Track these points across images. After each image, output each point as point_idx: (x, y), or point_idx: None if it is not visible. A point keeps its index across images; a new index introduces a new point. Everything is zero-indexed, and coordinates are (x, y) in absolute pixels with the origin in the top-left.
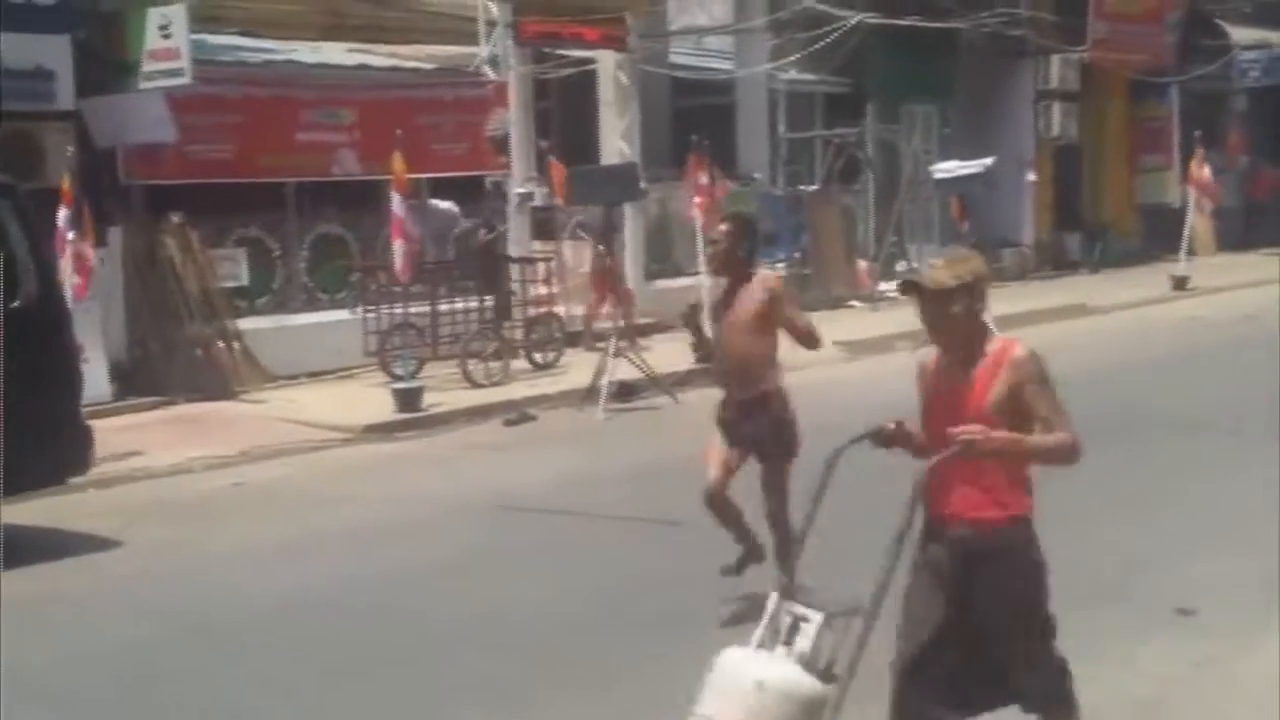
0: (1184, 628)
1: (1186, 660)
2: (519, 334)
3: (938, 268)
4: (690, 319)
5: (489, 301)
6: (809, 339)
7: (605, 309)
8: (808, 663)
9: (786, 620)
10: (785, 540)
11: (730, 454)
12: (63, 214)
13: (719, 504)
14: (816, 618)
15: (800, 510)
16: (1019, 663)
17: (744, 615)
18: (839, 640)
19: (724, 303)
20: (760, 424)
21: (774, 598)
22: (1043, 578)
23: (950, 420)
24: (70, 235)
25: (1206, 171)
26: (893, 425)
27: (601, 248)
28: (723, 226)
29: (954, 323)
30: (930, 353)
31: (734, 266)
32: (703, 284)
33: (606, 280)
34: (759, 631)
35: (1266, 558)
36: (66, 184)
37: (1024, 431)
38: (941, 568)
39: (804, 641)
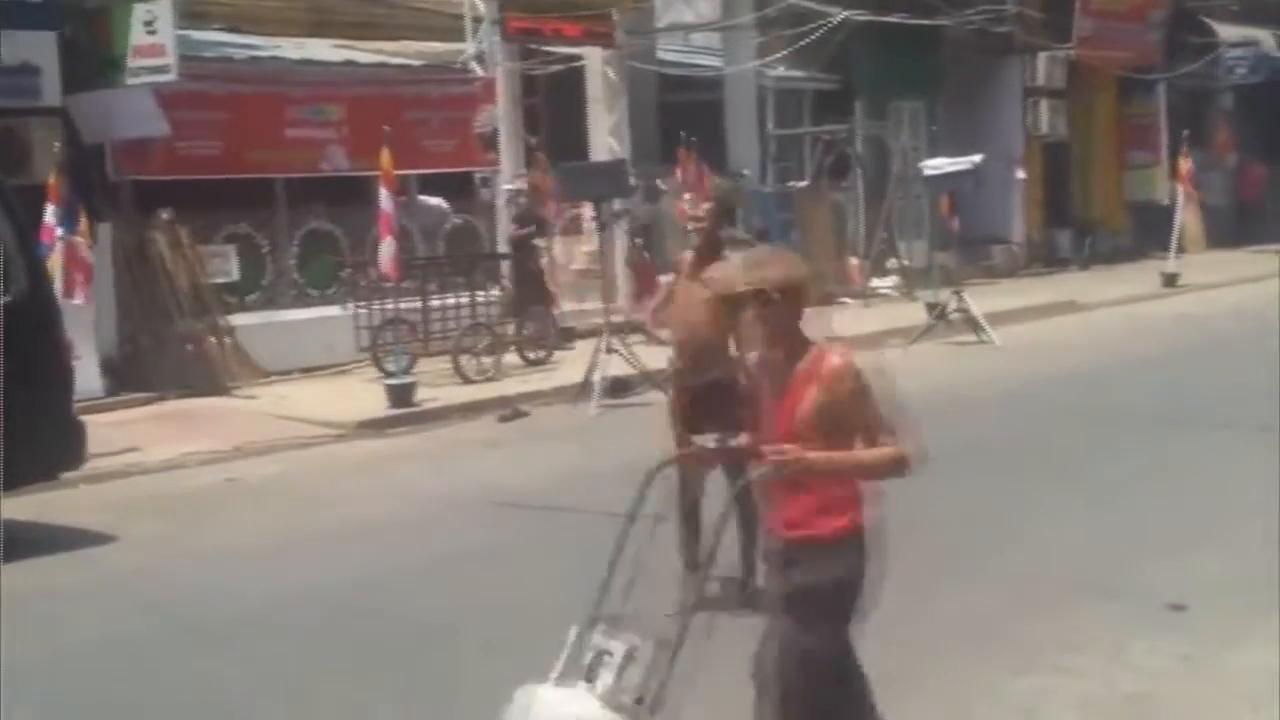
0: (1174, 622)
1: (1176, 655)
2: (510, 329)
3: (737, 269)
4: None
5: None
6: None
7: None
8: (611, 699)
9: (590, 653)
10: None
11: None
12: (50, 210)
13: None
14: (620, 649)
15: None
16: (777, 680)
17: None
18: (654, 671)
19: (694, 278)
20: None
21: (574, 630)
22: (828, 600)
23: (770, 431)
24: (59, 232)
25: (1185, 165)
26: (712, 443)
27: (639, 241)
28: (706, 205)
29: (749, 327)
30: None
31: (713, 246)
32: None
33: (648, 274)
34: (559, 665)
35: (1257, 552)
36: (54, 180)
37: (848, 443)
38: (769, 580)
39: (608, 676)
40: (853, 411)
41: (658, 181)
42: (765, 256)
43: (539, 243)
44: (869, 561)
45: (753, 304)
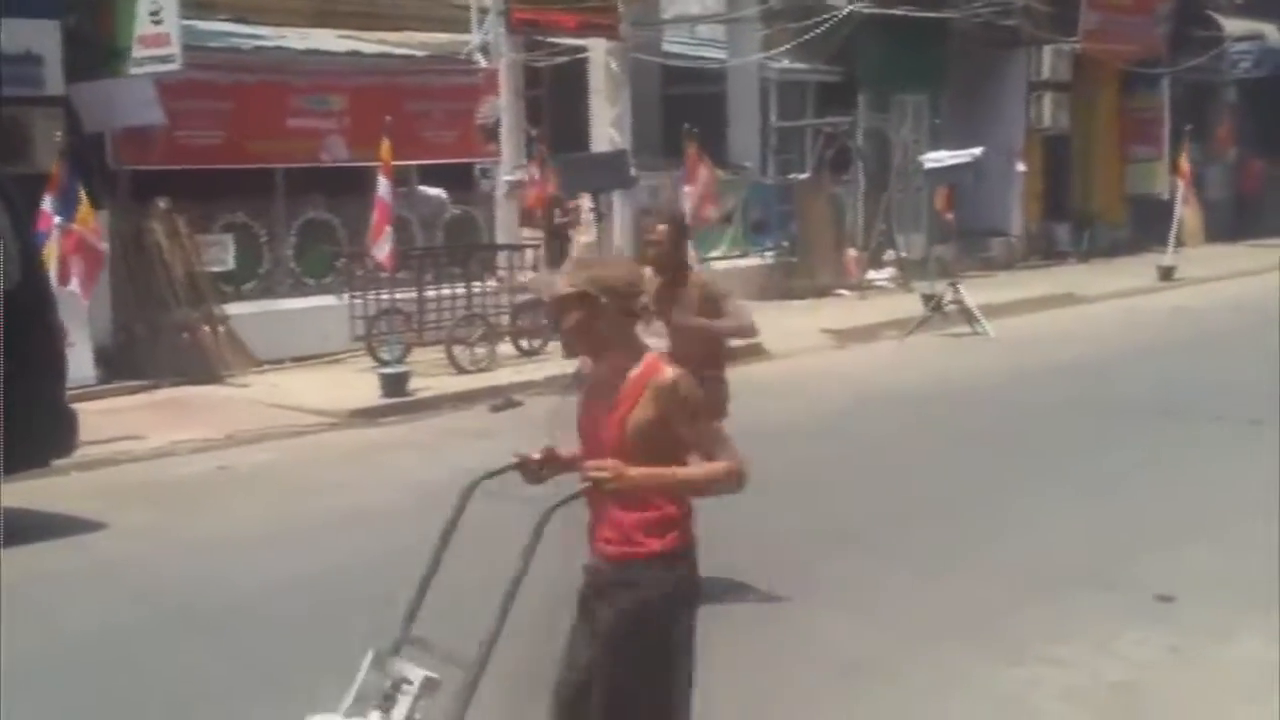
0: (1164, 614)
1: (1165, 646)
2: (505, 320)
3: (565, 273)
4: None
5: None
6: (741, 335)
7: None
8: None
9: (386, 683)
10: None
11: None
12: (48, 199)
13: None
14: (418, 678)
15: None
16: (600, 707)
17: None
18: (458, 702)
19: (663, 302)
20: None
21: (370, 656)
22: (649, 625)
23: (593, 444)
24: (57, 220)
25: (1183, 160)
26: (538, 455)
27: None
28: (660, 227)
29: (573, 333)
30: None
31: (672, 267)
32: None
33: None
34: (350, 693)
35: (1249, 546)
36: (56, 169)
37: (677, 458)
38: (584, 602)
39: (403, 706)
40: (684, 425)
41: (669, 179)
42: (595, 259)
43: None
44: (696, 583)
45: (579, 308)
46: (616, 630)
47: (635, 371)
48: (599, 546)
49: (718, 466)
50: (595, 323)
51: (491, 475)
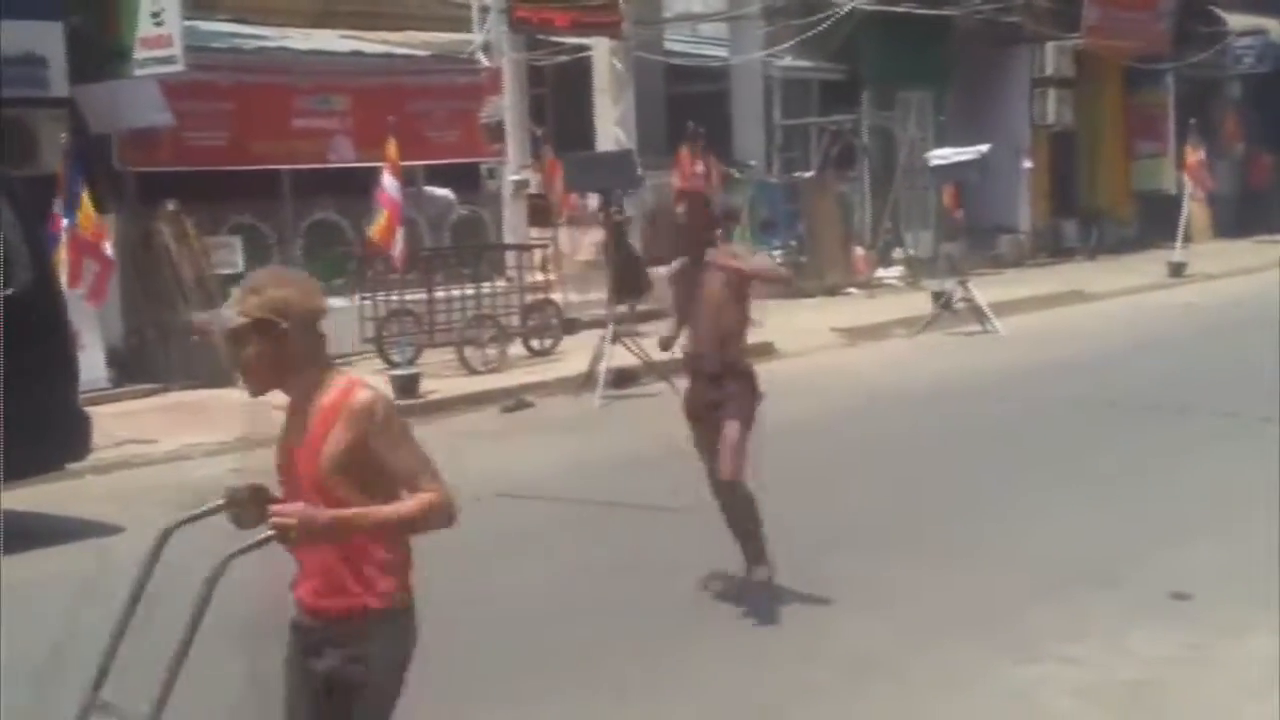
0: (1177, 611)
1: (1178, 643)
2: (515, 320)
3: (231, 302)
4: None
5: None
6: (776, 281)
7: None
8: None
9: None
10: (748, 517)
11: (701, 438)
12: (58, 201)
13: (720, 490)
14: None
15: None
16: None
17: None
18: None
19: (687, 284)
20: (729, 390)
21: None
22: (369, 683)
23: (291, 485)
24: (65, 222)
25: (1199, 157)
26: (245, 490)
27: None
28: (679, 208)
29: (254, 368)
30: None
31: (693, 245)
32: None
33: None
34: None
35: (1260, 542)
36: (60, 171)
37: (387, 491)
38: (295, 661)
39: None
40: (387, 453)
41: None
42: (264, 278)
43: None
44: (414, 634)
45: (258, 338)
46: (336, 688)
47: (328, 398)
48: (307, 600)
49: (421, 501)
50: (279, 351)
51: (194, 518)
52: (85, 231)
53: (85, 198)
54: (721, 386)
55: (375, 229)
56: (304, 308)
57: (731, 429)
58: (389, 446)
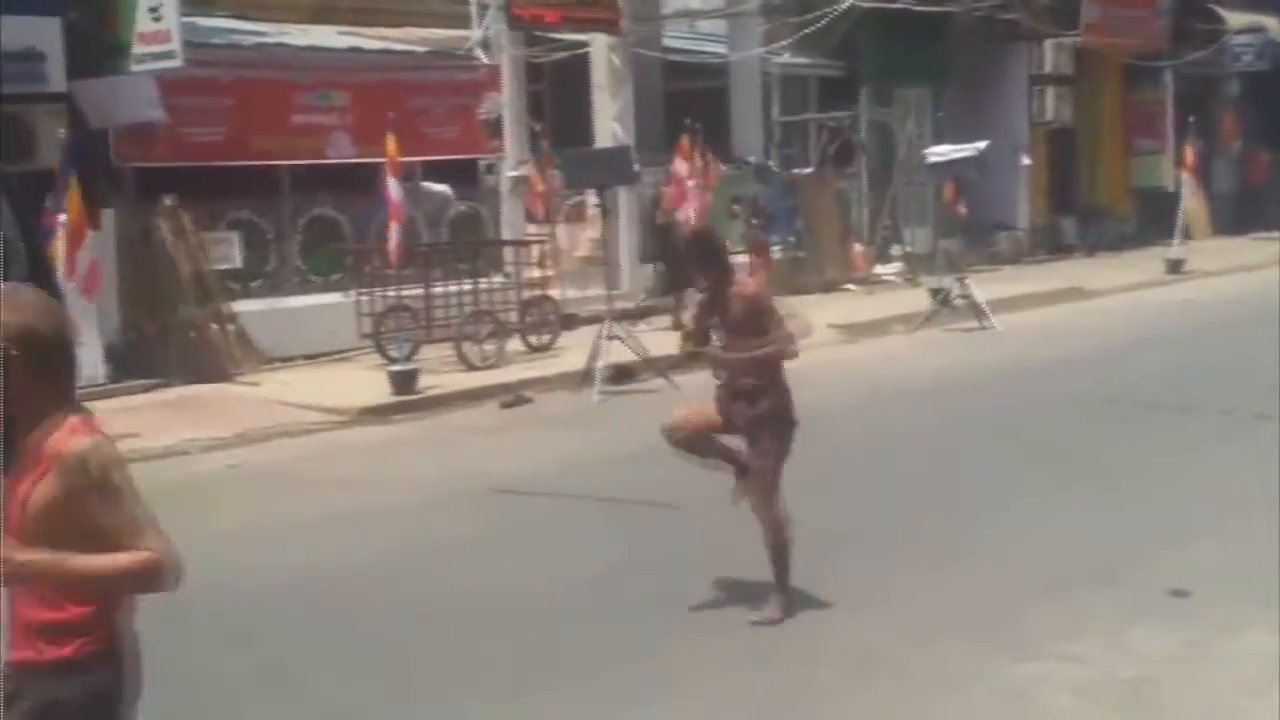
0: (1176, 609)
1: (1176, 641)
2: (513, 316)
3: None
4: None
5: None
6: (789, 354)
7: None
8: None
9: None
10: (779, 546)
11: (715, 418)
12: (50, 196)
13: (683, 440)
14: None
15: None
16: None
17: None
18: None
19: (703, 317)
20: (759, 410)
21: None
22: None
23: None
24: (60, 218)
25: (1189, 153)
26: None
27: (756, 221)
28: (688, 246)
29: None
30: None
31: (706, 280)
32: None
33: (764, 252)
34: None
35: (1259, 540)
36: (56, 166)
37: (98, 544)
38: None
39: None
40: (98, 507)
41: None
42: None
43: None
44: (121, 695)
45: None
46: None
47: (51, 441)
48: (11, 651)
49: (135, 558)
50: (8, 381)
51: None
52: (73, 223)
53: (74, 188)
54: (750, 402)
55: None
56: (39, 335)
57: (762, 469)
58: (101, 501)
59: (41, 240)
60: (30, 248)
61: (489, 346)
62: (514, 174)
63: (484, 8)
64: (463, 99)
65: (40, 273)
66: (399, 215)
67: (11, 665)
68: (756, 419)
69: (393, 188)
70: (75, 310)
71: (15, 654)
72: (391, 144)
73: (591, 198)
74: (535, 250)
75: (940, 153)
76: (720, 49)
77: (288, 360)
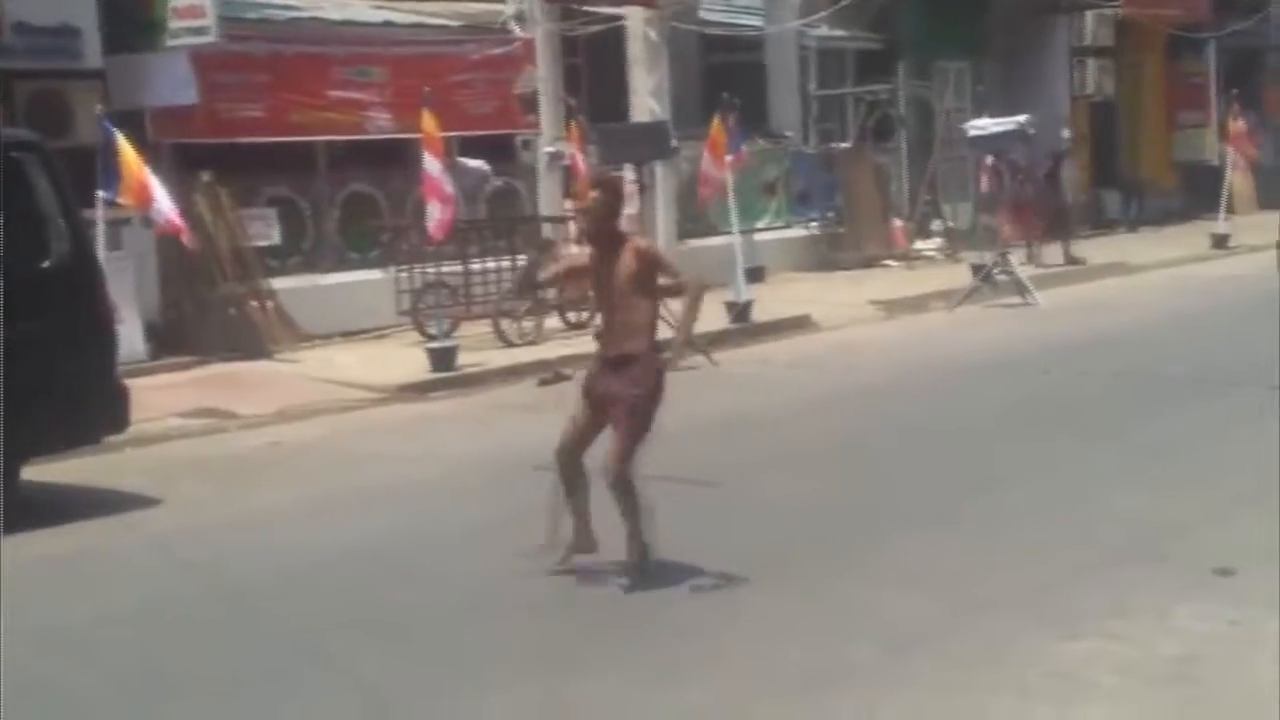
0: (1221, 587)
1: (1222, 619)
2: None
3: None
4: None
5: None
6: (677, 292)
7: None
8: None
9: None
10: (634, 499)
11: (585, 415)
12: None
13: (566, 461)
14: None
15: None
16: None
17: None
18: None
19: (601, 268)
20: (622, 380)
21: None
22: None
23: None
24: (101, 195)
25: (1242, 125)
26: None
27: (1023, 177)
28: (593, 194)
29: None
30: None
31: (607, 233)
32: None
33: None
34: None
35: None
36: (127, 151)
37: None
38: None
39: None
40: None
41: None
42: None
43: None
44: None
45: None
46: None
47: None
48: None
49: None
50: None
51: None
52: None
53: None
54: (614, 372)
55: (434, 224)
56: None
57: (621, 437)
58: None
59: (81, 218)
60: (71, 225)
61: (527, 323)
62: (550, 150)
63: None
64: (498, 74)
65: (81, 250)
66: (437, 192)
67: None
68: (617, 390)
69: (429, 165)
70: (115, 289)
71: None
72: (429, 121)
73: (629, 173)
74: (573, 226)
75: (980, 126)
76: (757, 22)
77: (326, 337)
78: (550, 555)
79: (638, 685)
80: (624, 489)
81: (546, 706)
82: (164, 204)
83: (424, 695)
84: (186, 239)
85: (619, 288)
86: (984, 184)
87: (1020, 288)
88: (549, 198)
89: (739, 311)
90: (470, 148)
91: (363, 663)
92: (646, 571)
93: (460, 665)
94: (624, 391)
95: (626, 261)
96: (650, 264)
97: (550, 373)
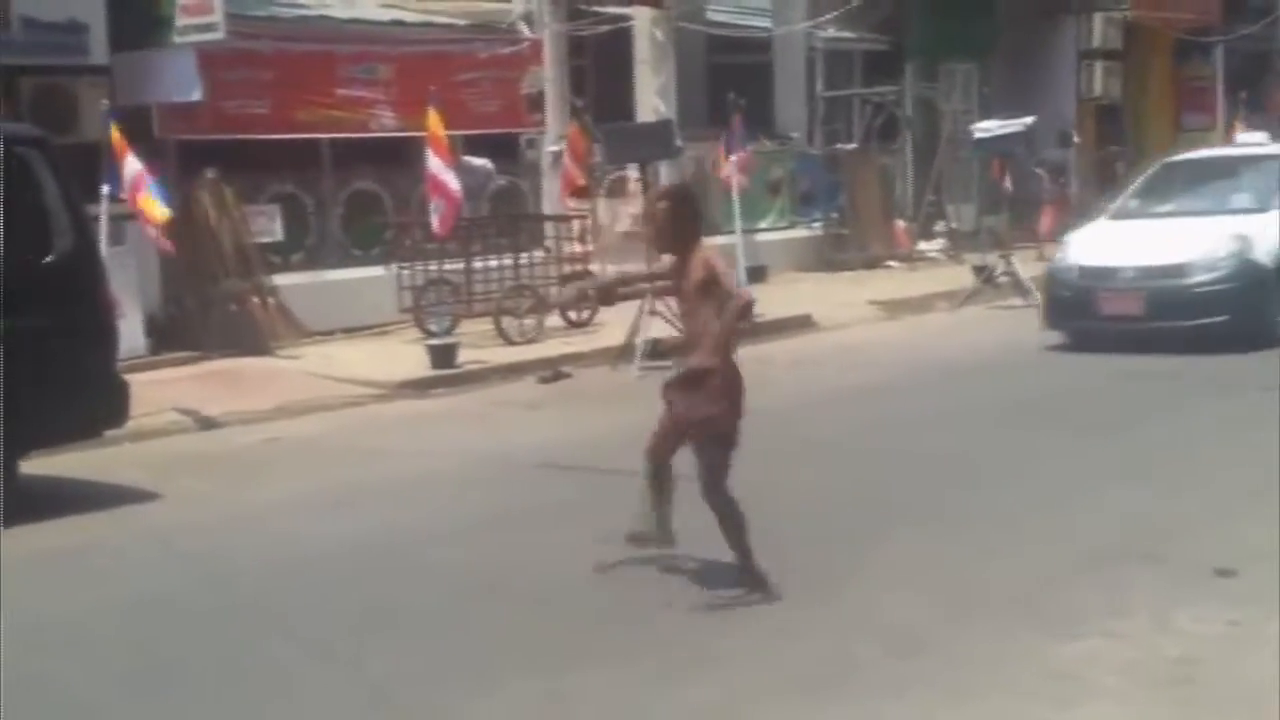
0: (1222, 588)
1: (1223, 620)
2: (553, 291)
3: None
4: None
5: None
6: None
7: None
8: None
9: None
10: (730, 518)
11: (663, 420)
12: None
13: (652, 464)
14: None
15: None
16: None
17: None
18: None
19: (675, 277)
20: (691, 399)
21: None
22: None
23: None
24: (105, 189)
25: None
26: None
27: (1063, 180)
28: (661, 204)
29: None
30: None
31: (675, 241)
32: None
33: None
34: None
35: None
36: (116, 138)
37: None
38: None
39: None
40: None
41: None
42: None
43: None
44: None
45: None
46: None
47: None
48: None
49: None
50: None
51: None
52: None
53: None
54: (684, 391)
55: (437, 222)
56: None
57: (701, 466)
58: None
59: (85, 213)
60: (74, 220)
61: (528, 321)
62: (554, 149)
63: None
64: (505, 73)
65: (84, 245)
66: (442, 189)
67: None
68: (688, 411)
69: (433, 163)
70: (117, 284)
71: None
72: (434, 120)
73: (633, 172)
74: (576, 225)
75: (987, 128)
76: (764, 23)
77: (328, 333)
78: (635, 545)
79: (638, 682)
80: (716, 509)
81: (547, 702)
82: (154, 210)
83: (425, 689)
84: (162, 245)
85: (689, 298)
86: (1006, 184)
87: (1022, 290)
88: (552, 197)
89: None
90: (475, 146)
91: (364, 656)
92: (754, 581)
93: (461, 660)
94: (691, 413)
95: (695, 271)
96: (710, 273)
97: (551, 371)
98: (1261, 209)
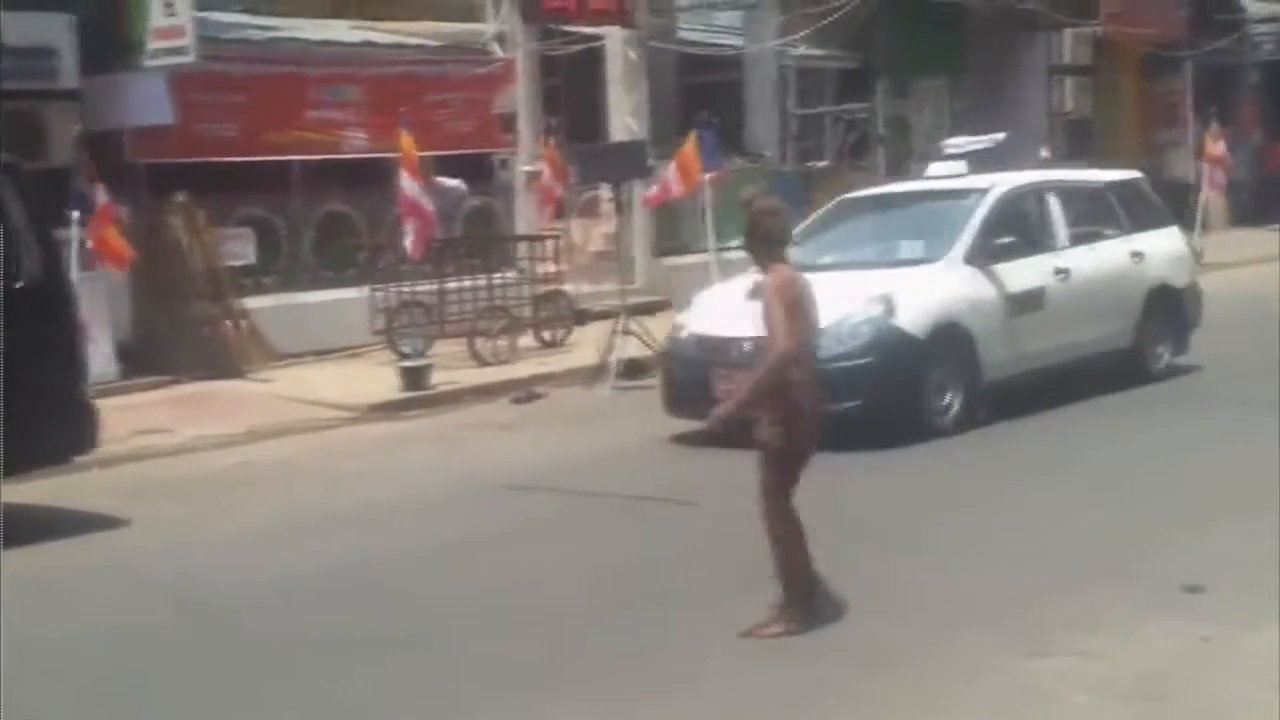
0: (1190, 604)
1: (1192, 636)
2: (526, 311)
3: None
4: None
5: None
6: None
7: None
8: None
9: None
10: (774, 545)
11: None
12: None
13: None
14: None
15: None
16: None
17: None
18: None
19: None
20: (760, 422)
21: None
22: None
23: None
24: (75, 214)
25: (1221, 146)
26: None
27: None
28: (745, 208)
29: None
30: None
31: (759, 259)
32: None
33: None
34: None
35: (1273, 533)
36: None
37: None
38: None
39: None
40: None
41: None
42: None
43: None
44: None
45: None
46: None
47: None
48: None
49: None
50: None
51: None
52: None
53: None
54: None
55: (410, 243)
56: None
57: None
58: None
59: (54, 238)
60: (43, 245)
61: (502, 342)
62: (527, 169)
63: (498, 2)
64: (477, 93)
65: (52, 271)
66: (415, 210)
67: None
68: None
69: (406, 184)
70: (87, 308)
71: None
72: (406, 141)
73: (605, 192)
74: (549, 245)
75: (957, 145)
76: (736, 41)
77: (300, 356)
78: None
79: (616, 703)
80: (765, 523)
81: None
82: (119, 246)
83: (398, 714)
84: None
85: (762, 317)
86: None
87: None
88: (526, 217)
89: None
90: (448, 167)
91: (336, 681)
92: (798, 604)
93: (435, 684)
94: (758, 434)
95: (764, 291)
96: (766, 306)
97: (524, 392)
98: (930, 259)
